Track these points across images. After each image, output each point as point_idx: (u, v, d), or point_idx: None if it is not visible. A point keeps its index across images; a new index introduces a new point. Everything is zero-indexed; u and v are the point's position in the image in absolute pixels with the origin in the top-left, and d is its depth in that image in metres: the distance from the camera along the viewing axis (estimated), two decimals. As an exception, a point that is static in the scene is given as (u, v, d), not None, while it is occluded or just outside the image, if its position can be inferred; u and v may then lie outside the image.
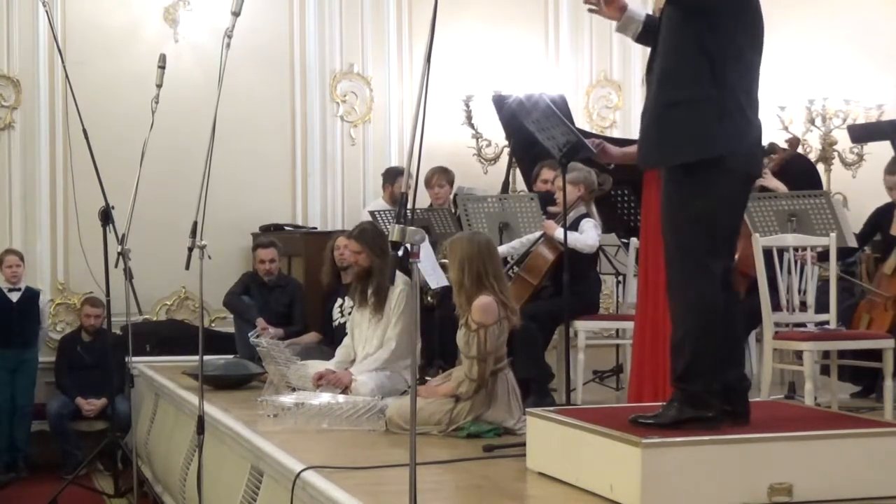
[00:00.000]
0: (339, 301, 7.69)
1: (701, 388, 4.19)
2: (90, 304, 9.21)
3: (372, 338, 6.67)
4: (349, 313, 7.10)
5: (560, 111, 6.08)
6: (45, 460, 9.08)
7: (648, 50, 4.57)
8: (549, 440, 4.51)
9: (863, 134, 9.63)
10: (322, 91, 10.19)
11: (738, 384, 4.35)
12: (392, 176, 9.45)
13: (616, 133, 10.51)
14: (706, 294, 4.21)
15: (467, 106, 10.15)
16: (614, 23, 4.72)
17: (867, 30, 10.40)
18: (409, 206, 3.77)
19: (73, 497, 7.75)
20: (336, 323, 7.71)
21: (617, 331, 7.62)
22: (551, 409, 4.94)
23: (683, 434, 4.04)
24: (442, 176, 8.81)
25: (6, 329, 8.97)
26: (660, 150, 4.31)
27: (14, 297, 9.08)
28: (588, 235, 6.74)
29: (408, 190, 3.78)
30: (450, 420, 5.54)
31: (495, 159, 10.32)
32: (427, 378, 6.50)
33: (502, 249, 7.25)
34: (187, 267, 5.29)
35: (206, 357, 5.89)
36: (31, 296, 9.18)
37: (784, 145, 7.47)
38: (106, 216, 7.41)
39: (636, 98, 10.43)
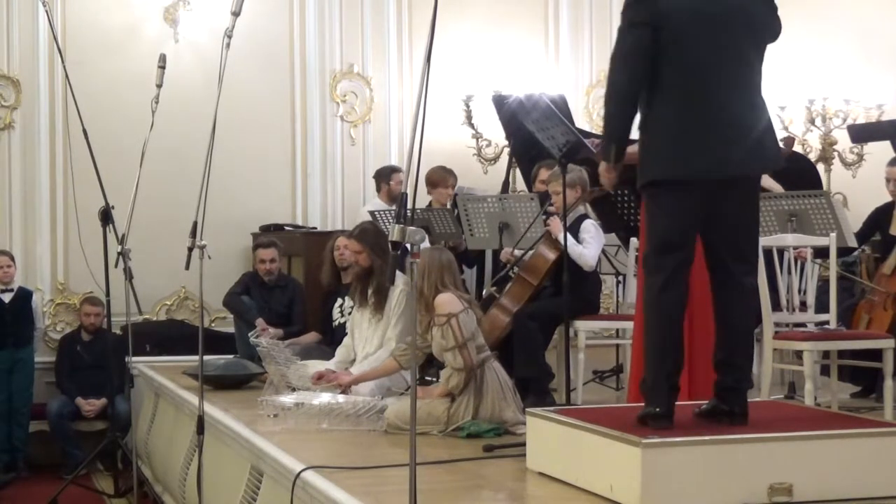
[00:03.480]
0: (339, 301, 7.69)
1: (647, 386, 4.30)
2: (89, 303, 9.22)
3: (372, 338, 6.67)
4: (349, 313, 7.10)
5: (560, 111, 6.09)
6: (45, 460, 9.07)
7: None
8: (549, 440, 4.51)
9: (863, 134, 9.64)
10: (322, 91, 10.19)
11: (737, 384, 4.37)
12: (386, 174, 9.47)
13: (616, 133, 10.49)
14: (647, 296, 4.39)
15: (467, 106, 10.15)
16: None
17: (867, 30, 10.40)
18: (409, 206, 3.77)
19: (73, 497, 7.74)
20: (336, 323, 7.70)
21: (617, 331, 7.61)
22: (551, 409, 4.94)
23: (683, 434, 4.04)
24: (452, 177, 8.83)
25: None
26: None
27: (6, 297, 9.07)
28: (590, 254, 6.72)
29: (408, 189, 3.78)
30: (448, 418, 5.55)
31: (495, 159, 10.32)
32: (427, 378, 6.51)
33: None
34: (187, 267, 5.29)
35: (206, 357, 5.89)
36: (24, 296, 9.18)
37: (780, 144, 7.45)
38: (106, 216, 7.41)
39: (636, 98, 10.42)
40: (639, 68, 4.33)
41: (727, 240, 4.42)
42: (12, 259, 9.19)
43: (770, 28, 4.51)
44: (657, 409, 4.21)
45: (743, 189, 4.42)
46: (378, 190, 9.52)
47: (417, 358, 5.62)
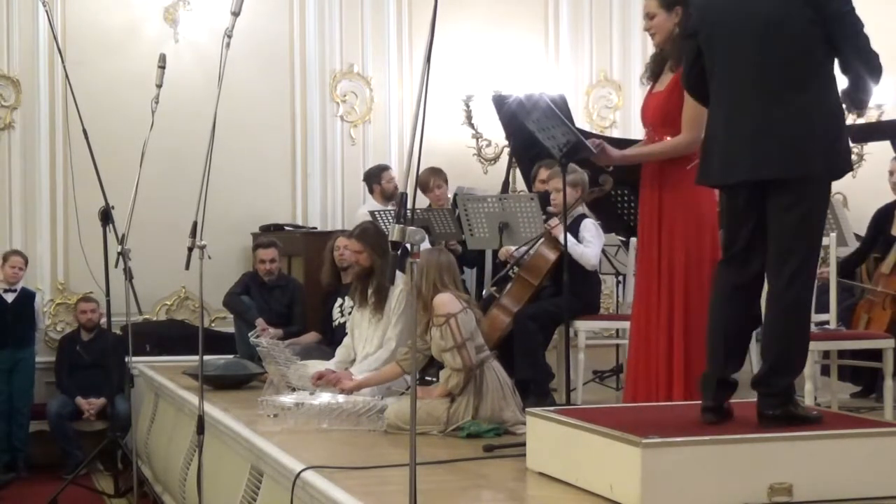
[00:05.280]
0: (339, 301, 7.69)
1: (702, 379, 4.41)
2: (83, 301, 9.26)
3: (372, 338, 6.67)
4: (349, 313, 7.10)
5: (560, 111, 6.07)
6: (45, 460, 9.08)
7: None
8: (549, 440, 4.51)
9: (863, 134, 9.62)
10: (322, 91, 10.20)
11: (772, 409, 4.25)
12: (376, 174, 9.47)
13: (616, 133, 10.52)
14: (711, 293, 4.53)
15: (467, 106, 10.15)
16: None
17: (867, 30, 10.37)
18: (409, 206, 3.77)
19: (73, 497, 7.75)
20: (336, 323, 7.71)
21: (617, 331, 7.62)
22: (551, 409, 4.94)
23: (683, 434, 4.05)
24: (438, 177, 8.79)
25: (1, 330, 8.96)
26: None
27: (9, 297, 9.08)
28: (592, 252, 6.73)
29: (407, 189, 3.78)
30: (448, 418, 5.55)
31: (495, 159, 10.32)
32: (427, 377, 6.51)
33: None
34: (187, 267, 5.29)
35: (206, 357, 5.89)
36: (27, 296, 9.19)
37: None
38: (106, 216, 7.41)
39: (636, 98, 10.42)
40: (691, 75, 4.60)
41: (770, 248, 4.29)
42: (25, 262, 9.20)
43: (798, 22, 4.33)
44: (706, 403, 4.33)
45: (778, 196, 4.23)
46: (371, 192, 9.52)
47: (419, 362, 5.62)
